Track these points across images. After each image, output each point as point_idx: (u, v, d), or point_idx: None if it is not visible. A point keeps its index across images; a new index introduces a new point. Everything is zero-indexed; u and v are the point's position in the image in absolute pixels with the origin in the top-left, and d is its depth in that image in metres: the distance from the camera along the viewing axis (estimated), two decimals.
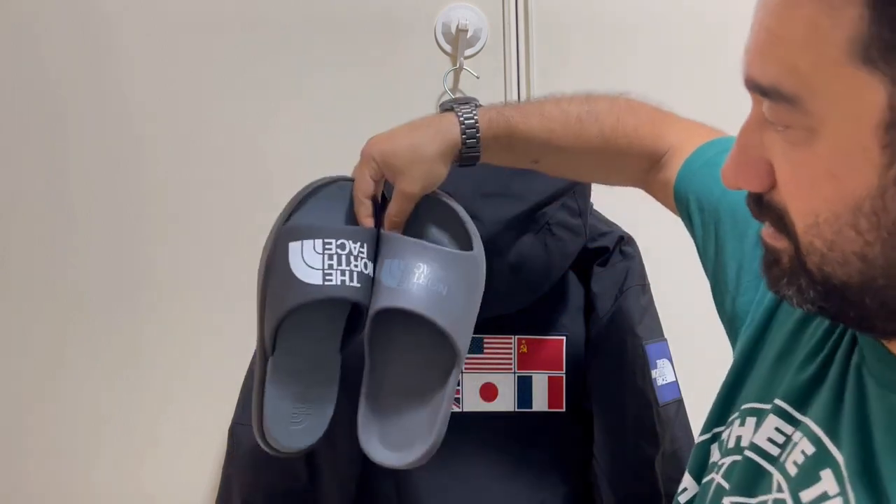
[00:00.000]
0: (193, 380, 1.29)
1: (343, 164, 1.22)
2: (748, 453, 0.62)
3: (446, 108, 0.86)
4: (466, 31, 1.21)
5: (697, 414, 1.08)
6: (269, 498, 1.06)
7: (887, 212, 0.46)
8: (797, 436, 0.59)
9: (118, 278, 1.28)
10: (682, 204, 0.82)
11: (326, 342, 0.89)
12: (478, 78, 1.23)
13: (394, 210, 0.85)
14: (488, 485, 1.04)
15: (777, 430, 0.60)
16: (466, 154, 0.84)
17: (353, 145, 1.24)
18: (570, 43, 1.26)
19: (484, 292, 0.86)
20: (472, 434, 1.04)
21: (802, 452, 0.58)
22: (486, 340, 1.04)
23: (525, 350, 1.05)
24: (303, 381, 0.87)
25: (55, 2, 1.23)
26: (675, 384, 1.07)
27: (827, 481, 0.55)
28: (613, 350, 1.04)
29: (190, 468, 1.29)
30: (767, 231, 0.55)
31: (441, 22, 1.23)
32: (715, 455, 0.67)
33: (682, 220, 0.84)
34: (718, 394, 0.70)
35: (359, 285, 0.83)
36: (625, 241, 1.08)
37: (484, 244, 0.88)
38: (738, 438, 0.64)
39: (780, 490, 0.58)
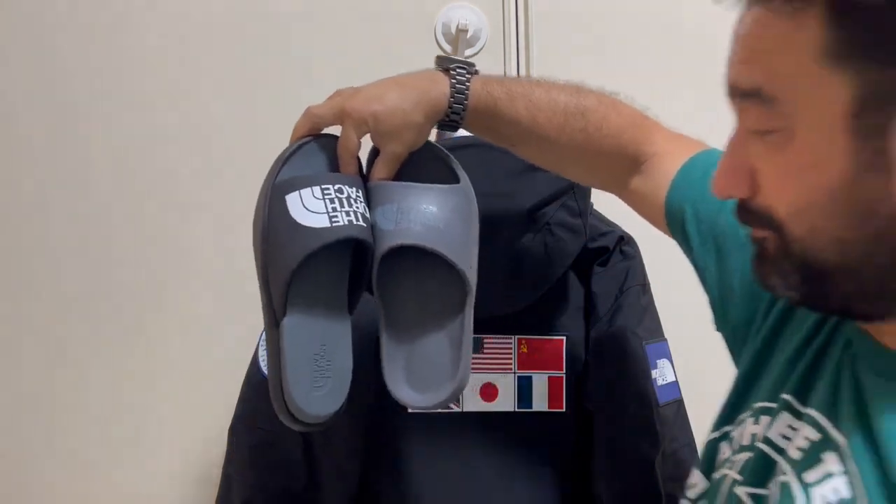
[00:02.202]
0: (193, 380, 1.29)
1: None
2: (759, 445, 0.65)
3: (443, 66, 0.86)
4: (466, 31, 1.21)
5: (697, 414, 1.09)
6: (269, 498, 1.05)
7: (859, 195, 0.52)
8: (800, 424, 0.62)
9: (118, 279, 1.28)
10: (675, 215, 0.83)
11: (334, 298, 0.87)
12: None
13: (382, 172, 0.84)
14: (488, 484, 1.04)
15: (789, 426, 0.64)
16: (447, 123, 0.85)
17: None
18: (570, 43, 1.26)
19: (484, 292, 0.86)
20: (472, 434, 1.04)
21: (806, 438, 0.61)
22: (485, 340, 1.04)
23: (525, 350, 1.05)
24: (317, 342, 0.85)
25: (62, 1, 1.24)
26: (675, 384, 1.07)
27: (830, 462, 0.58)
28: (613, 350, 1.03)
29: (190, 468, 1.29)
30: (756, 230, 0.60)
31: (441, 22, 1.23)
32: (725, 452, 0.69)
33: (671, 230, 0.84)
34: (729, 394, 0.73)
35: (365, 225, 0.82)
36: (625, 241, 1.08)
37: (484, 245, 0.88)
38: (753, 436, 0.66)
39: (784, 473, 0.61)
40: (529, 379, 1.05)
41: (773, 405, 0.66)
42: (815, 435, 0.60)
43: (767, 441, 0.65)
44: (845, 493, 0.56)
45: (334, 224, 0.80)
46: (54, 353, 1.29)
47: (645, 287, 1.07)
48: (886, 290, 0.54)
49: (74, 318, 1.28)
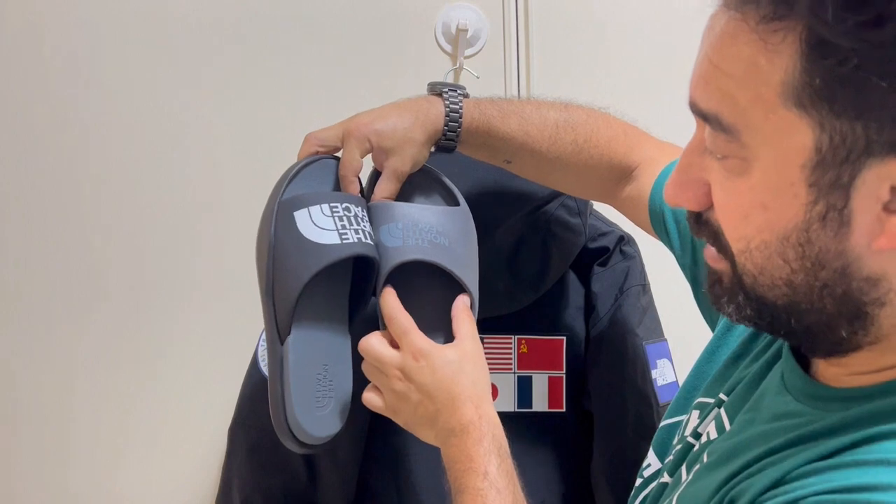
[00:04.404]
0: (193, 380, 1.29)
1: None
2: (688, 438, 0.70)
3: (435, 91, 0.87)
4: (466, 31, 1.21)
5: None
6: (269, 498, 1.05)
7: (811, 244, 0.50)
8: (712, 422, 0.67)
9: (118, 279, 1.28)
10: (656, 216, 0.86)
11: (337, 316, 0.87)
12: (478, 78, 1.23)
13: (386, 190, 0.85)
14: None
15: (714, 422, 0.67)
16: (444, 143, 0.86)
17: None
18: (570, 43, 1.26)
19: (484, 292, 0.86)
20: None
21: (707, 435, 0.66)
22: (485, 340, 1.04)
23: (525, 350, 1.05)
24: (320, 361, 0.85)
25: (55, 1, 1.24)
26: (675, 384, 1.07)
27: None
28: (613, 350, 1.03)
29: (190, 468, 1.29)
30: (710, 252, 0.58)
31: (441, 22, 1.23)
32: (675, 439, 0.74)
33: (656, 231, 0.87)
34: (684, 383, 0.78)
35: (372, 243, 0.82)
36: (625, 241, 1.08)
37: (484, 244, 0.88)
38: (692, 428, 0.71)
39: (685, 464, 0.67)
40: (529, 379, 1.05)
41: (711, 401, 0.70)
42: (714, 433, 0.64)
43: (695, 435, 0.69)
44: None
45: (344, 241, 0.80)
46: (53, 354, 1.29)
47: (645, 287, 1.07)
48: (831, 334, 0.53)
49: (74, 319, 1.28)
